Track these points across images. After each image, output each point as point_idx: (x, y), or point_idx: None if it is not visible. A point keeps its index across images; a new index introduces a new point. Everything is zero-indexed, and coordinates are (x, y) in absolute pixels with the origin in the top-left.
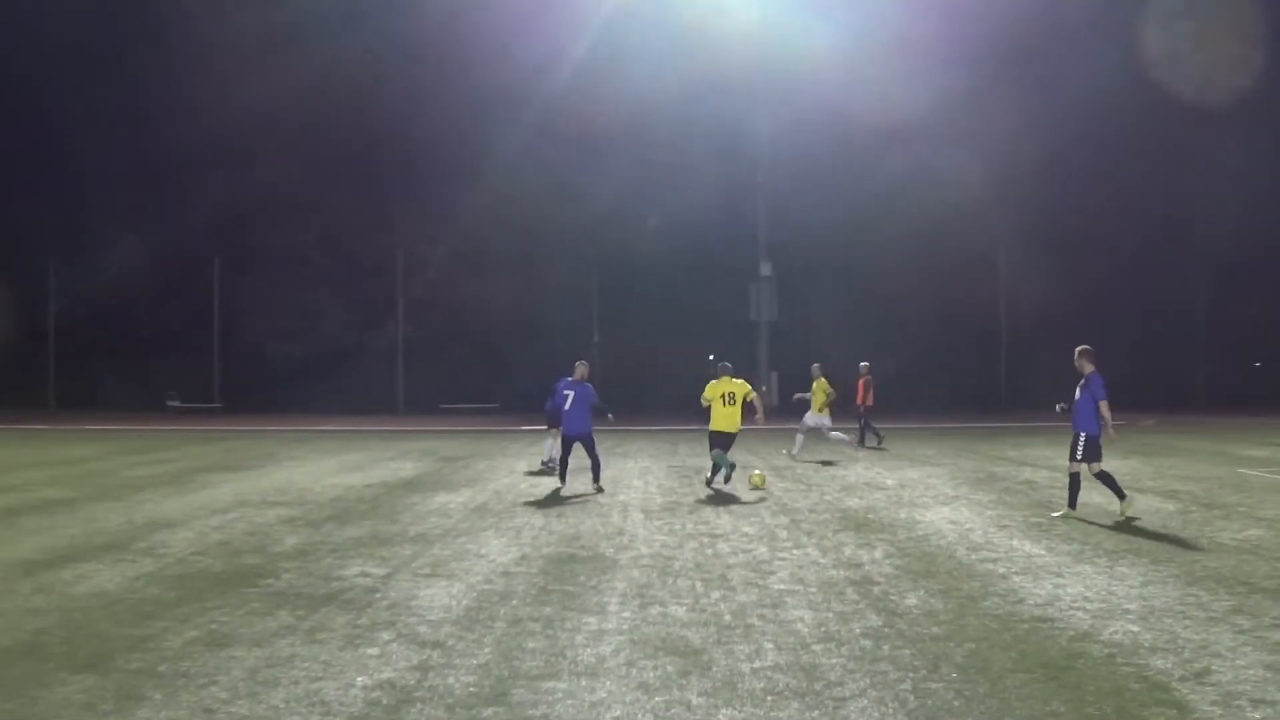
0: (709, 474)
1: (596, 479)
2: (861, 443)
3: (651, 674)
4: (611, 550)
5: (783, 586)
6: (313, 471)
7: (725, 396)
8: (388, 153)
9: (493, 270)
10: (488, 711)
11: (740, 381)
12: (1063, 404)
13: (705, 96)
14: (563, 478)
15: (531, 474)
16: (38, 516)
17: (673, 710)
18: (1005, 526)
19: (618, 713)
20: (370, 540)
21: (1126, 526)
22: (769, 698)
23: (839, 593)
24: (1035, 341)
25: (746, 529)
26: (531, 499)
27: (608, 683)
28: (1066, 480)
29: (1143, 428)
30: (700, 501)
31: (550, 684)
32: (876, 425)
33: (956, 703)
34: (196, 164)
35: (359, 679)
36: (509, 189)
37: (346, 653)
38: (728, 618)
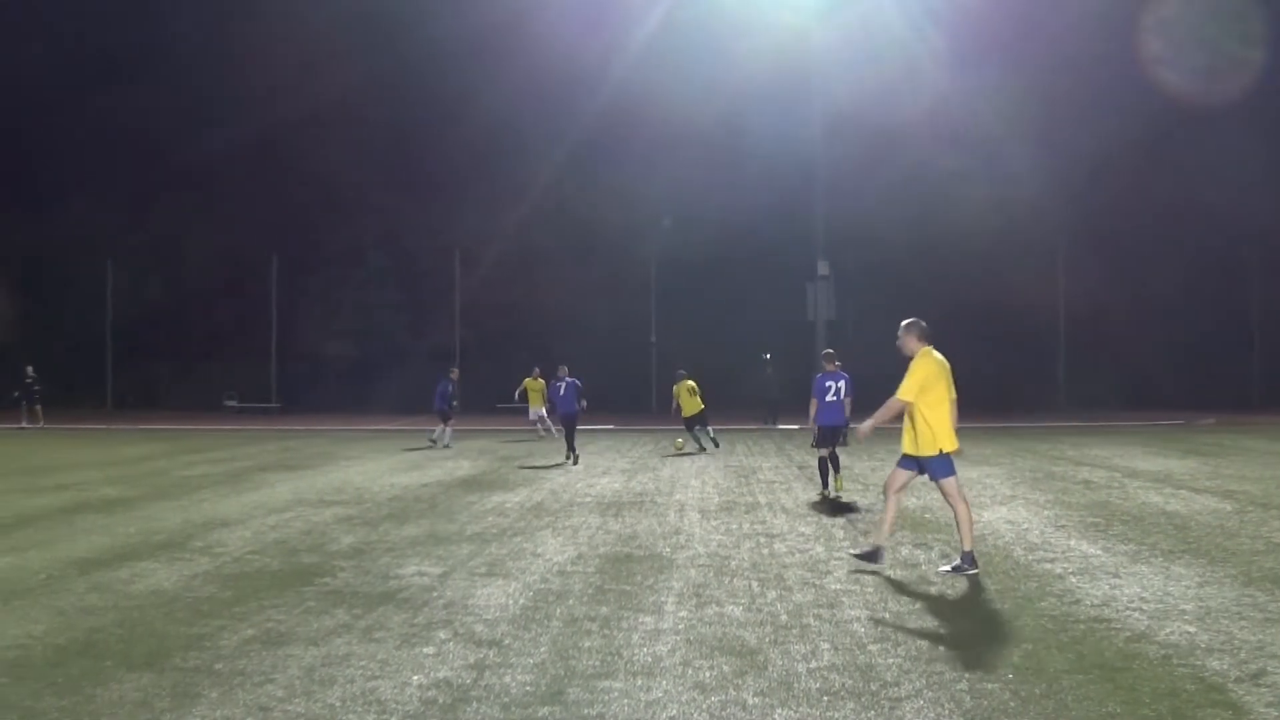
0: (696, 444)
1: (571, 450)
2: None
3: (707, 673)
4: (668, 550)
5: (839, 586)
6: (370, 471)
7: (690, 390)
8: (445, 153)
9: (548, 271)
10: (543, 710)
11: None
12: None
13: (761, 94)
14: (570, 452)
15: (587, 474)
16: (95, 515)
17: (728, 710)
18: (1062, 526)
19: (673, 712)
20: (427, 539)
21: (1184, 527)
22: (824, 697)
23: (895, 593)
24: (1093, 341)
25: (803, 529)
26: (588, 498)
27: (663, 682)
28: (1121, 480)
29: (1201, 427)
30: (757, 501)
31: (606, 683)
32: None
33: (1012, 703)
34: (254, 164)
35: (415, 678)
36: (565, 189)
37: (403, 651)
38: (784, 617)
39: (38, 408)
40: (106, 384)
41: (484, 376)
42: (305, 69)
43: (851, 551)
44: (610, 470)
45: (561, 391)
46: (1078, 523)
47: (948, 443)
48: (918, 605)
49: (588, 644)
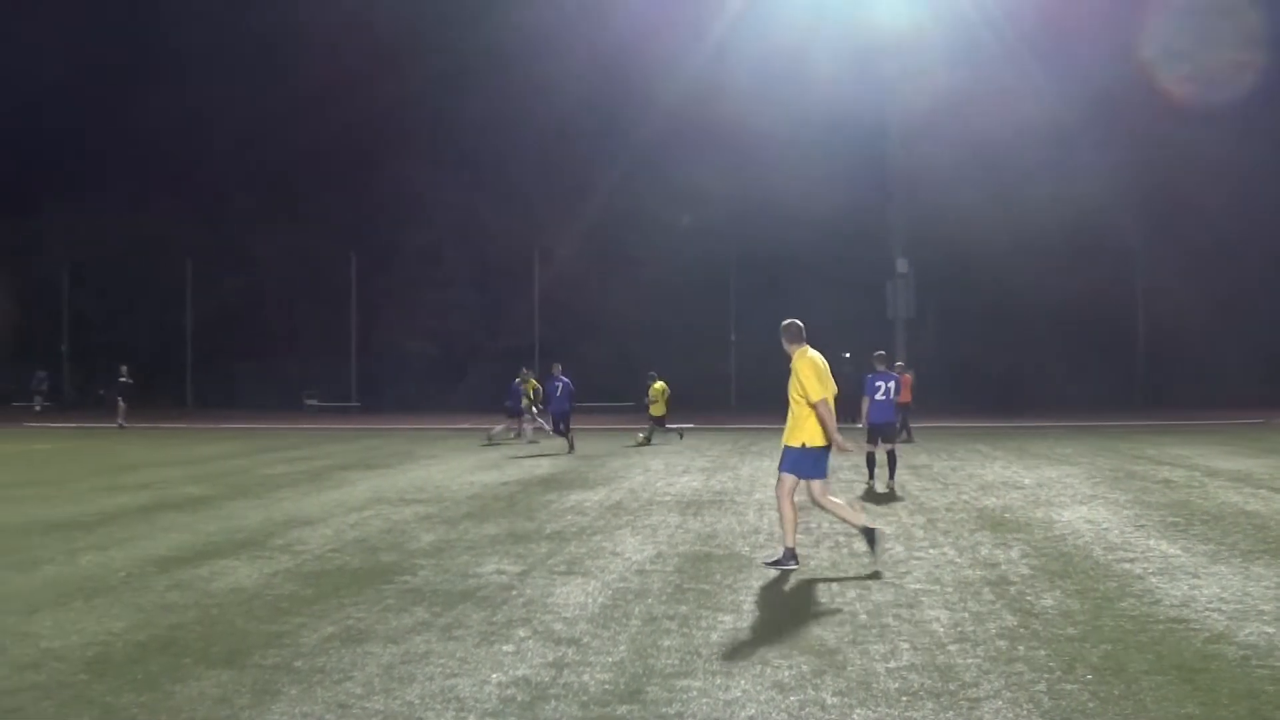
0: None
1: (568, 441)
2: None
3: (786, 673)
4: (747, 549)
5: (918, 586)
6: (449, 469)
7: (663, 391)
8: (522, 151)
9: (627, 269)
10: (622, 709)
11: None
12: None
13: (840, 92)
14: (569, 441)
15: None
16: (176, 514)
17: (807, 709)
18: (1142, 526)
19: (751, 711)
20: (506, 538)
21: (1264, 527)
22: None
23: (975, 592)
24: (1171, 338)
25: (883, 528)
26: (668, 497)
27: (742, 681)
28: (1201, 479)
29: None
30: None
31: (685, 682)
32: (909, 425)
33: (1091, 704)
34: (332, 163)
35: (494, 675)
36: (642, 187)
37: (482, 649)
38: (863, 617)
39: (124, 406)
40: (187, 383)
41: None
42: (382, 68)
43: (768, 561)
44: (690, 469)
45: (558, 392)
46: (1157, 522)
47: (811, 438)
48: (997, 605)
49: (667, 643)
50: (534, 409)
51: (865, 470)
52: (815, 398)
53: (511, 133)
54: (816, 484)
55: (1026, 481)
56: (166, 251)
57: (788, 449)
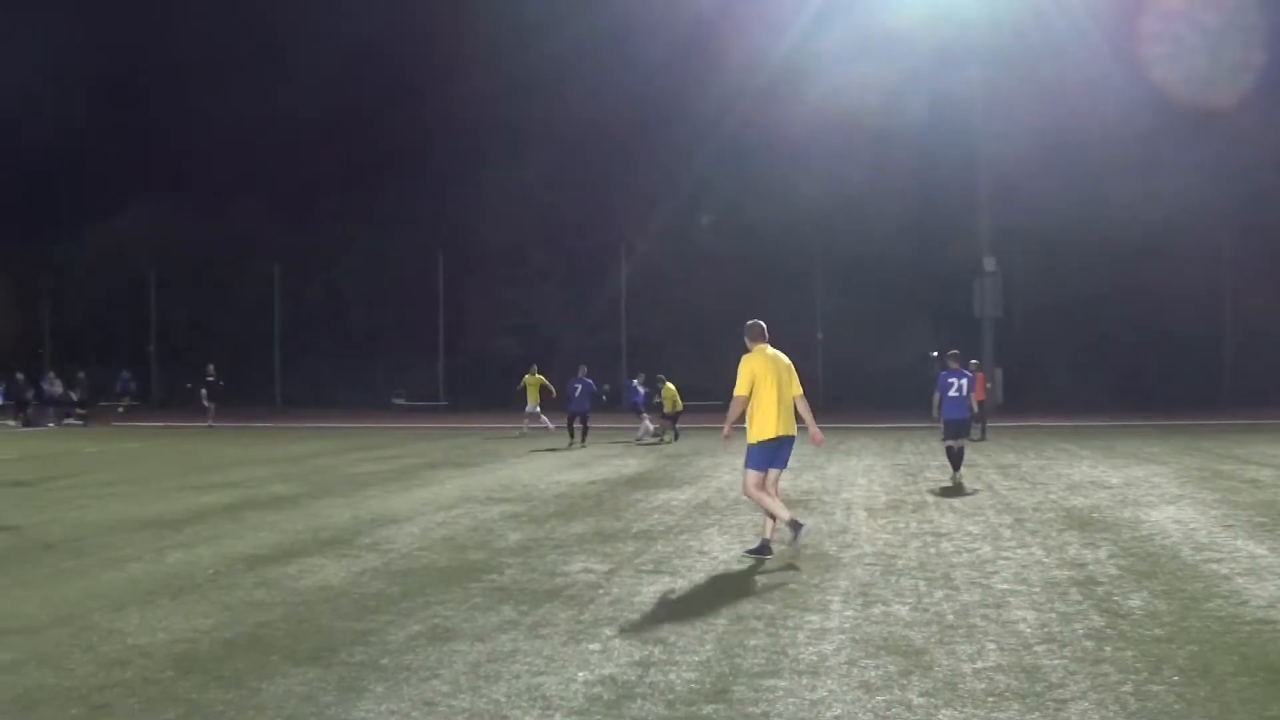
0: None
1: (583, 439)
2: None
3: (873, 673)
4: (835, 548)
5: (1006, 586)
6: (536, 468)
7: (673, 394)
8: (607, 150)
9: (712, 267)
10: (708, 708)
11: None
12: None
13: (925, 87)
14: (571, 436)
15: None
16: (264, 512)
17: (893, 710)
18: (1230, 526)
19: (838, 711)
20: (593, 536)
21: None
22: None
23: (1062, 593)
24: (1260, 336)
25: (971, 528)
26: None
27: (829, 681)
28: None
29: None
30: (924, 500)
31: (771, 681)
32: (984, 422)
33: (1177, 706)
34: (417, 163)
35: (580, 674)
36: (728, 185)
37: (568, 648)
38: (950, 617)
39: (211, 406)
40: (275, 383)
41: (648, 373)
42: (466, 67)
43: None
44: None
45: (577, 392)
46: (1245, 522)
47: (760, 433)
48: (1084, 605)
49: (753, 642)
50: (538, 407)
51: (949, 465)
52: (739, 393)
53: (595, 131)
54: (773, 473)
55: (1114, 481)
56: (254, 253)
57: (748, 447)
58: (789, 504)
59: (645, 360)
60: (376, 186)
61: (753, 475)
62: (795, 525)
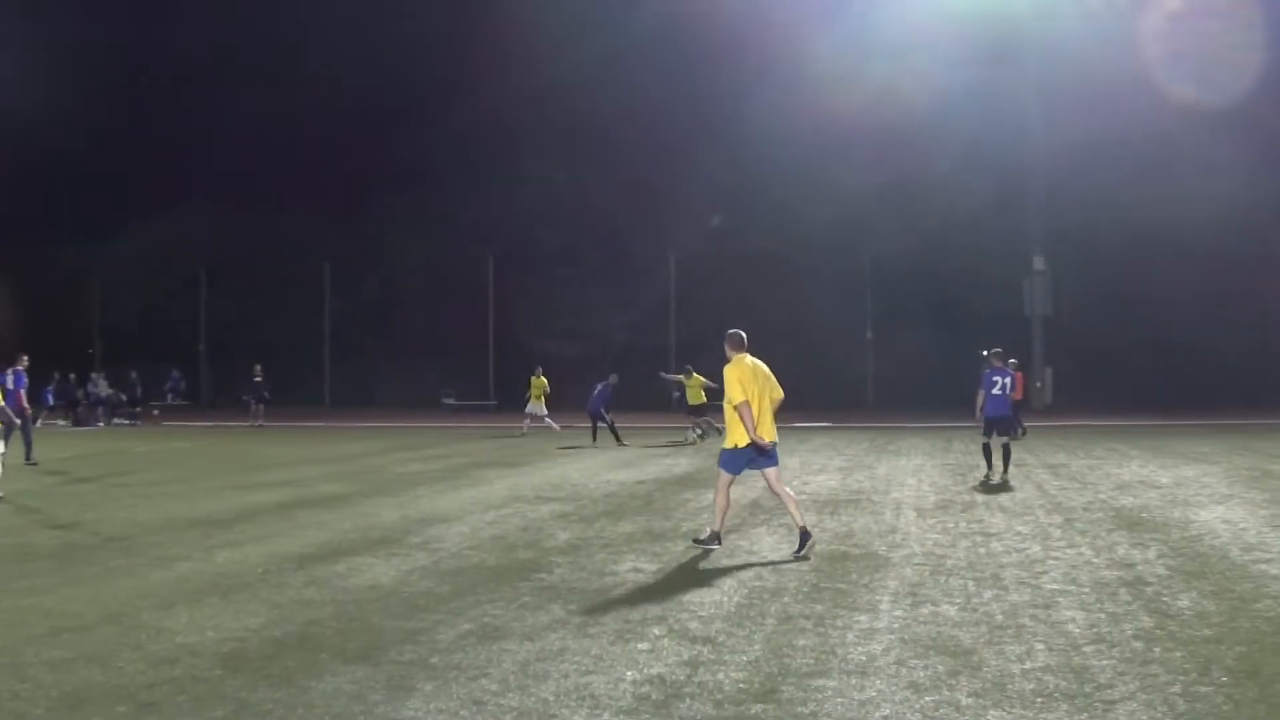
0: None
1: (616, 438)
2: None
3: (921, 673)
4: (884, 548)
5: (1055, 586)
6: (586, 467)
7: (699, 384)
8: (660, 150)
9: (763, 267)
10: (756, 708)
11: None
12: None
13: (975, 85)
14: (594, 437)
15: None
16: (313, 511)
17: (941, 710)
18: (1279, 526)
19: (886, 711)
20: (643, 536)
21: None
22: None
23: (1111, 593)
24: None
25: (1020, 528)
26: (804, 496)
27: (877, 681)
28: None
29: None
30: (974, 500)
31: (820, 682)
32: (1021, 420)
33: (1225, 707)
34: (468, 163)
35: (629, 673)
36: (780, 186)
37: (617, 647)
38: (999, 618)
39: (260, 406)
40: (325, 382)
41: (699, 372)
42: (517, 67)
43: (696, 539)
44: (826, 468)
45: (595, 392)
46: None
47: (740, 438)
48: (1133, 606)
49: (802, 642)
50: (541, 409)
51: (983, 461)
52: (736, 400)
53: (646, 131)
54: (770, 472)
55: (1163, 480)
56: (304, 252)
57: (722, 450)
58: (846, 505)
59: (695, 360)
60: (427, 186)
61: (725, 476)
62: (715, 537)
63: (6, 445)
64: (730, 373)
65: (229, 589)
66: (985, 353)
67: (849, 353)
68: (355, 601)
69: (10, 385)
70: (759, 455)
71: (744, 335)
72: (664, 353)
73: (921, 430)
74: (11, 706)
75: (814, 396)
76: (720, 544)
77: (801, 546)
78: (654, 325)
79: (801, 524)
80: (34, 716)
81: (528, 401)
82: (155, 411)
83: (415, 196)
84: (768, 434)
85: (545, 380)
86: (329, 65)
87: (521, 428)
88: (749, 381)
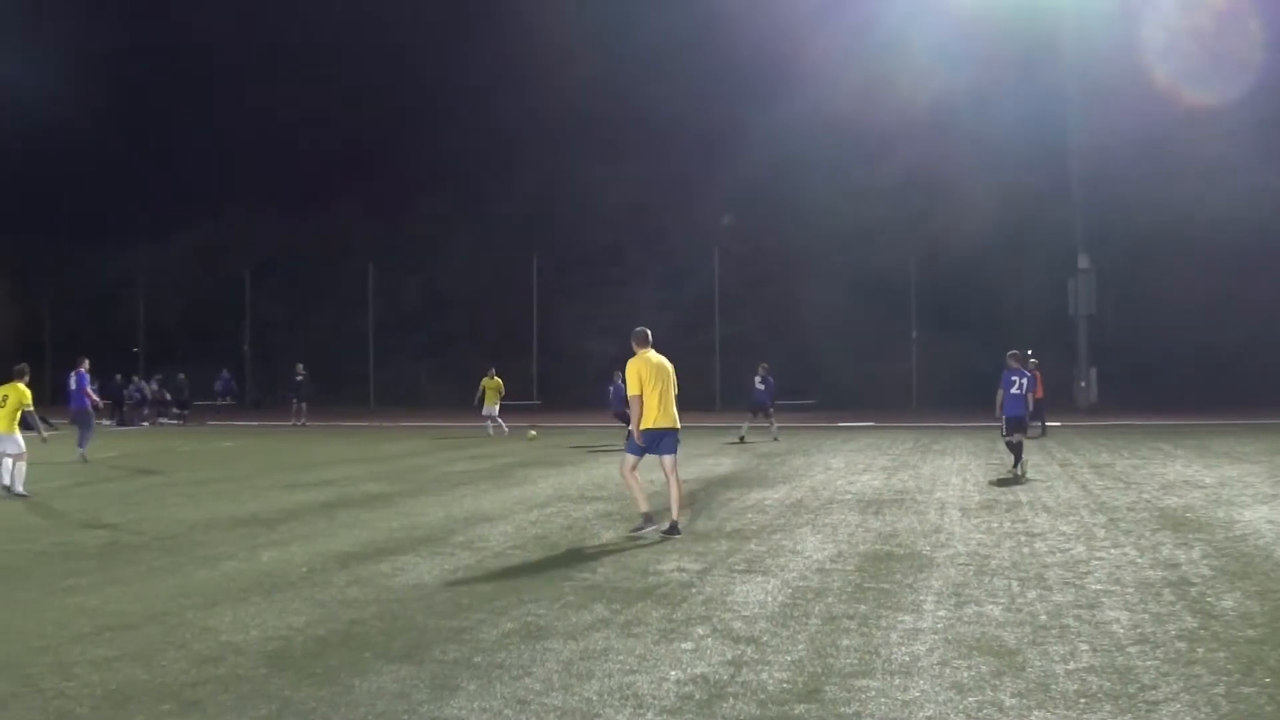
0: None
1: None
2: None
3: (965, 674)
4: (928, 548)
5: (1099, 587)
6: None
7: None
8: (702, 149)
9: (807, 266)
10: (799, 708)
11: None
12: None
13: (1018, 83)
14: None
15: (854, 473)
16: (357, 510)
17: (985, 711)
18: None
19: (930, 712)
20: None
21: None
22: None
23: (1155, 593)
24: None
25: (1064, 528)
26: (848, 495)
27: (921, 682)
28: None
29: None
30: (1018, 500)
31: (863, 682)
32: (1043, 418)
33: (1269, 708)
34: (511, 163)
35: (672, 673)
36: (824, 185)
37: (661, 647)
38: (1043, 618)
39: (303, 405)
40: (369, 382)
41: (741, 374)
42: (561, 67)
43: (632, 532)
44: (871, 467)
45: (765, 387)
46: None
47: (644, 424)
48: (1177, 606)
49: (846, 642)
50: (495, 410)
51: (1011, 458)
52: (633, 392)
53: (689, 129)
54: (667, 460)
55: (1208, 480)
56: (348, 252)
57: (630, 434)
58: (891, 504)
59: (741, 359)
60: (471, 186)
61: (630, 459)
62: (647, 519)
63: (84, 443)
64: (630, 368)
65: (273, 588)
66: (1029, 352)
67: (893, 352)
68: (399, 600)
69: (74, 385)
70: (662, 440)
71: (649, 332)
72: (708, 351)
73: (966, 430)
74: (56, 705)
75: (858, 395)
76: (653, 524)
77: (642, 526)
78: (699, 324)
79: (675, 517)
80: (78, 715)
81: (482, 404)
82: (180, 414)
83: (459, 197)
84: (669, 422)
85: (500, 381)
86: (373, 67)
87: (488, 428)
88: (648, 376)
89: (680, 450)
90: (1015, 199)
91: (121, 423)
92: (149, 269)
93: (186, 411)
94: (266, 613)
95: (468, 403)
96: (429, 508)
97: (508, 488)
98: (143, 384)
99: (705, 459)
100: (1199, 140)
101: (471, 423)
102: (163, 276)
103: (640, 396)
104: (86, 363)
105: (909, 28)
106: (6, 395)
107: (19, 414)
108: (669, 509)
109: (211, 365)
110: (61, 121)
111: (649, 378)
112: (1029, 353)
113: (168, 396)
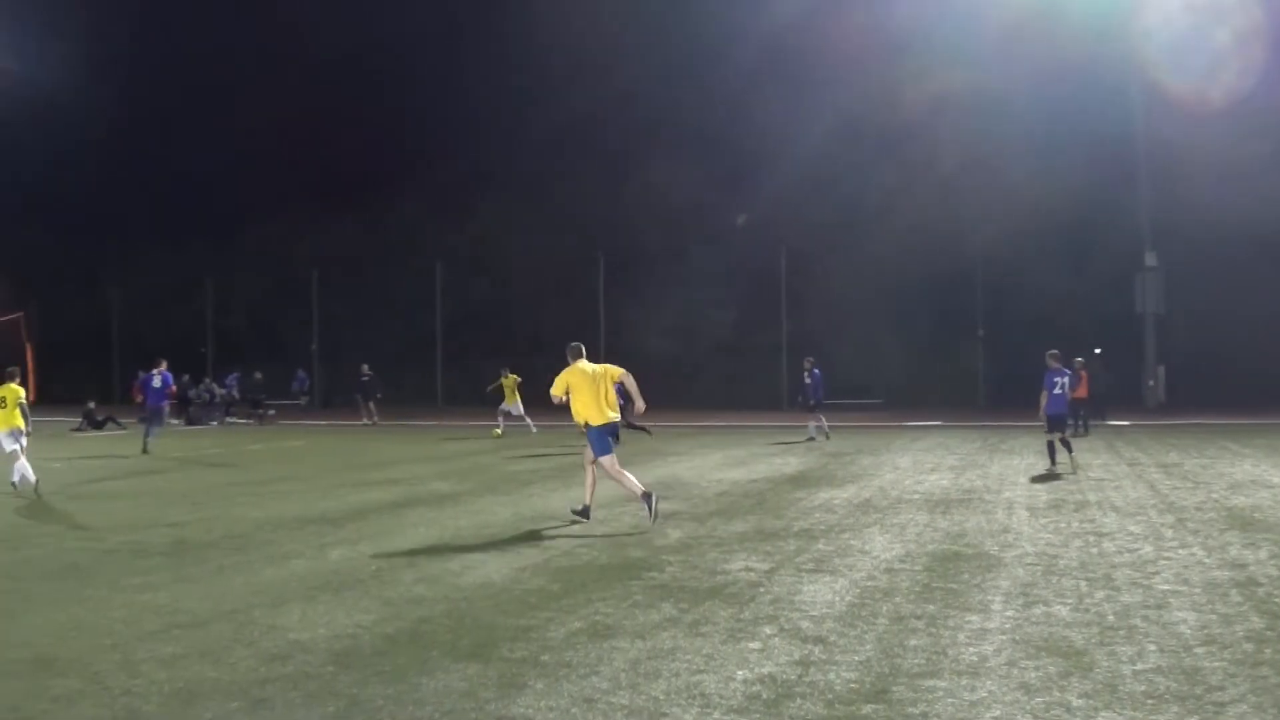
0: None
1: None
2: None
3: (1033, 674)
4: (996, 548)
5: (1167, 587)
6: (697, 466)
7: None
8: (767, 148)
9: (874, 265)
10: (867, 708)
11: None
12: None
13: (1083, 77)
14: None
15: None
16: (425, 509)
17: (1052, 712)
18: None
19: (997, 713)
20: (754, 535)
21: None
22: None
23: (1223, 594)
24: None
25: (1132, 528)
26: (916, 495)
27: (988, 682)
28: None
29: None
30: (1086, 499)
31: (931, 682)
32: (1089, 418)
33: None
34: (578, 164)
35: (739, 672)
36: (889, 184)
37: (728, 646)
38: (1111, 618)
39: (371, 404)
40: (436, 381)
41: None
42: (625, 67)
43: (573, 509)
44: (938, 467)
45: (815, 381)
46: None
47: (595, 420)
48: (1245, 607)
49: (913, 642)
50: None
51: (1047, 456)
52: (553, 392)
53: (754, 127)
54: (606, 459)
55: (1276, 480)
56: (415, 252)
57: (589, 429)
58: (959, 504)
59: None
60: (537, 185)
61: (606, 459)
62: (585, 512)
63: (149, 436)
64: (561, 375)
65: (341, 586)
66: (1097, 350)
67: (960, 350)
68: (467, 599)
69: (158, 384)
70: (608, 438)
71: (582, 347)
72: (774, 351)
73: (1034, 428)
74: (124, 702)
75: (925, 394)
76: (653, 499)
77: (583, 514)
78: (765, 323)
79: (588, 502)
80: (146, 712)
81: (501, 401)
82: (272, 412)
83: (526, 196)
84: (602, 418)
85: (515, 377)
86: (438, 66)
87: (499, 425)
88: (576, 383)
89: (742, 448)
90: (1081, 196)
91: (190, 422)
92: (216, 269)
93: (261, 410)
94: (335, 611)
95: (537, 401)
96: (497, 506)
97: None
98: (212, 384)
99: (773, 458)
100: (1269, 135)
101: (539, 422)
102: (229, 276)
103: (559, 396)
104: (165, 364)
105: (971, 25)
106: (4, 396)
107: (19, 410)
108: (588, 496)
109: (278, 365)
110: (129, 122)
111: (578, 385)
112: (1097, 351)
113: (236, 396)
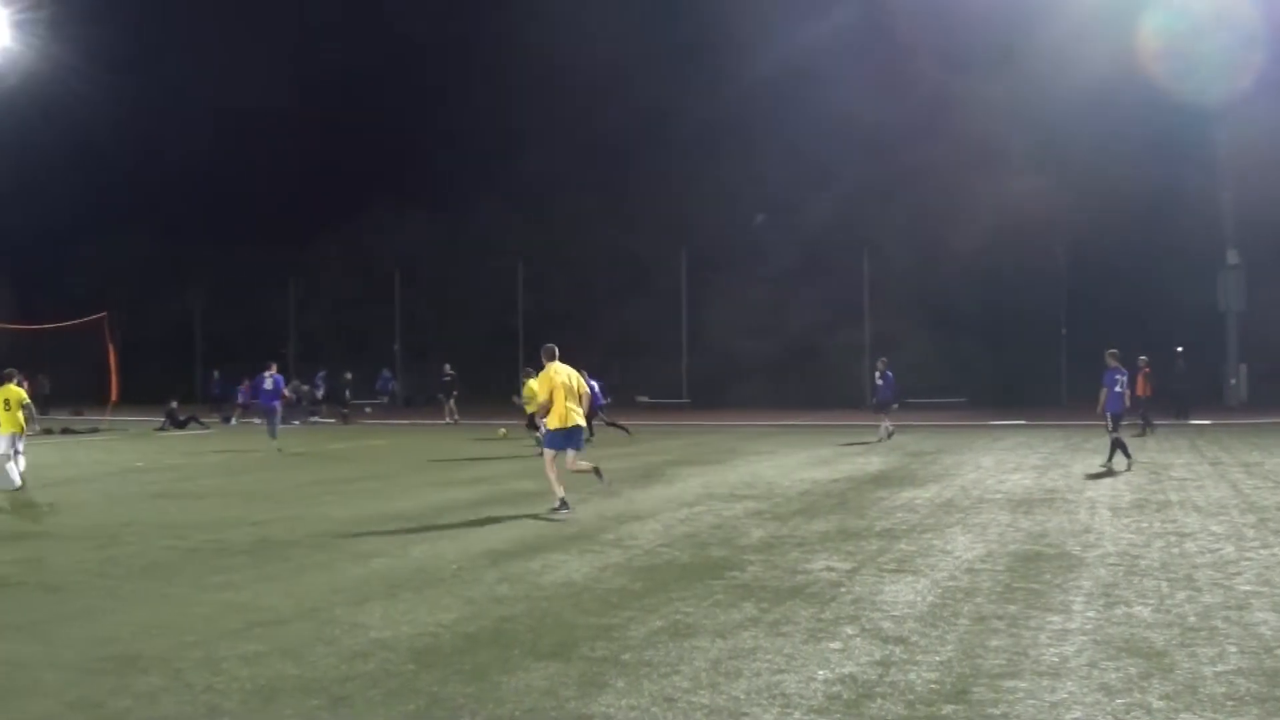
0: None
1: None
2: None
3: (1113, 675)
4: (1078, 548)
5: (1248, 588)
6: (780, 465)
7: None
8: (848, 146)
9: (956, 262)
10: (947, 709)
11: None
12: None
13: (1163, 72)
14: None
15: (1004, 472)
16: (506, 508)
17: (1132, 713)
18: None
19: (1077, 714)
20: (836, 534)
21: None
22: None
23: None
24: None
25: (1215, 528)
26: (999, 495)
27: (1069, 683)
28: None
29: None
30: (1168, 499)
31: (1011, 683)
32: (1153, 417)
33: None
34: (661, 161)
35: (820, 672)
36: (972, 182)
37: (809, 646)
38: (1192, 619)
39: (452, 403)
40: (517, 380)
41: (895, 369)
42: (707, 66)
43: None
44: (1021, 466)
45: (886, 382)
46: None
47: (556, 423)
48: None
49: (994, 643)
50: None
51: (1122, 455)
52: (541, 399)
53: (837, 127)
54: (570, 453)
55: None
56: (497, 250)
57: (548, 432)
58: (1041, 504)
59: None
60: (620, 184)
61: (549, 453)
62: (564, 504)
63: (274, 435)
64: (543, 378)
65: (423, 584)
66: (1179, 349)
67: (1043, 349)
68: (548, 598)
69: (270, 386)
70: (572, 436)
71: (556, 349)
72: (857, 350)
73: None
74: (205, 699)
75: (1008, 394)
76: (568, 508)
77: (560, 507)
78: (847, 322)
79: (560, 495)
80: (227, 709)
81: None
82: (367, 409)
83: (608, 194)
84: (578, 420)
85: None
86: (522, 65)
87: (504, 427)
88: (558, 385)
89: (824, 448)
90: (1163, 194)
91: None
92: (299, 269)
93: (346, 410)
94: (416, 609)
95: (618, 400)
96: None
97: (657, 485)
98: (300, 384)
99: (855, 458)
100: None
101: (622, 421)
102: (312, 277)
103: (548, 401)
104: (275, 366)
105: (1055, 22)
106: (7, 399)
107: (22, 411)
108: (558, 490)
109: (361, 364)
110: (214, 125)
111: (558, 386)
112: (1179, 349)
113: (319, 395)
